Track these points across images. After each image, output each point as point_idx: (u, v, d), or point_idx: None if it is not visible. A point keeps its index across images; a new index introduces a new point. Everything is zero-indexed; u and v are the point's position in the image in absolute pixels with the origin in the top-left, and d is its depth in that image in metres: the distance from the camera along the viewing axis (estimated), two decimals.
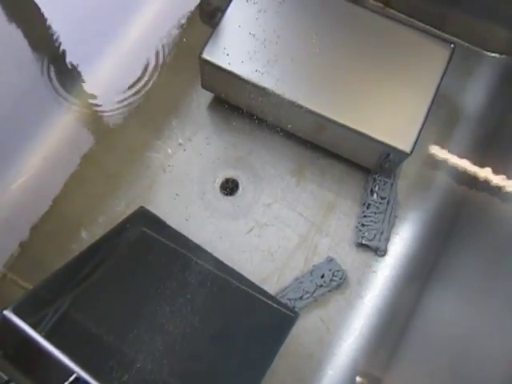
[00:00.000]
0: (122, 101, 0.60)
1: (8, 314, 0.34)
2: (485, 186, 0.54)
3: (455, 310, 0.46)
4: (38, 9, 0.60)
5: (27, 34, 0.58)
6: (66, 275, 0.42)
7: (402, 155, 0.50)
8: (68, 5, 0.62)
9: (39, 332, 0.34)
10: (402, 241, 0.55)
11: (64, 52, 0.61)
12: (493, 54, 0.61)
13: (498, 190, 0.51)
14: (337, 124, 0.50)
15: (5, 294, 0.52)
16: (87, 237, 0.54)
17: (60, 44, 0.61)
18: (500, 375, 0.35)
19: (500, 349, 0.38)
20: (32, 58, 0.59)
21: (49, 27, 0.60)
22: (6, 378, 0.33)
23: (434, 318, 0.49)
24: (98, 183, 0.57)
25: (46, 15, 0.60)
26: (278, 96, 0.51)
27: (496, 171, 0.53)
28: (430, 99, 0.50)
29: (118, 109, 0.60)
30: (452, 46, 0.51)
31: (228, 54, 0.52)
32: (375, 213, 0.55)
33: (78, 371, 0.33)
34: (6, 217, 0.55)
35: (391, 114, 0.50)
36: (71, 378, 0.33)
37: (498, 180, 0.52)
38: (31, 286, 0.40)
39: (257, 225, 0.55)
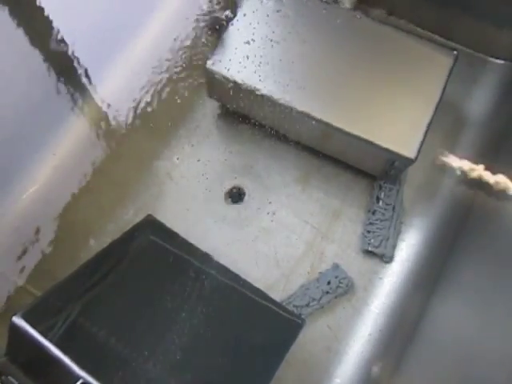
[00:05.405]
0: (130, 111, 0.61)
1: (17, 319, 0.35)
2: (491, 191, 0.54)
3: (462, 316, 0.46)
4: (50, 20, 0.61)
5: (38, 45, 0.60)
6: (75, 282, 0.42)
7: (407, 161, 0.50)
8: (79, 16, 0.63)
9: (49, 339, 0.35)
10: (408, 247, 0.55)
11: (74, 63, 0.62)
12: (497, 61, 0.61)
13: (504, 196, 0.51)
14: (342, 132, 0.51)
15: (14, 302, 0.53)
16: (96, 245, 0.55)
17: (70, 55, 0.62)
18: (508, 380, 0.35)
19: (508, 355, 0.37)
20: (43, 69, 0.60)
21: (60, 38, 0.61)
22: (15, 382, 0.34)
23: (442, 324, 0.49)
24: (107, 192, 0.58)
25: (58, 27, 0.62)
26: (284, 105, 0.51)
27: (502, 177, 0.53)
28: (433, 106, 0.50)
29: (126, 118, 0.61)
30: (455, 53, 0.52)
31: (233, 64, 0.52)
32: (381, 219, 0.55)
33: (85, 376, 0.33)
34: (17, 226, 0.56)
35: (395, 121, 0.50)
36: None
37: (504, 186, 0.52)
38: (40, 294, 0.41)
39: (263, 232, 0.56)
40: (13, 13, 0.58)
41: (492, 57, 0.62)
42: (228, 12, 0.56)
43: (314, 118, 0.51)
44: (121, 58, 0.64)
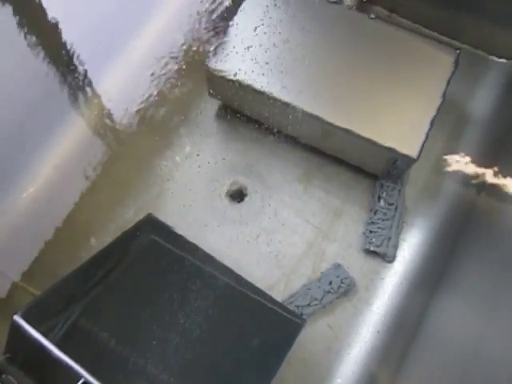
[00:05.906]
0: (130, 110, 0.61)
1: (17, 318, 0.35)
2: (493, 191, 0.53)
3: (464, 316, 0.46)
4: (52, 21, 0.61)
5: (40, 45, 0.60)
6: (75, 281, 0.42)
7: (409, 161, 0.50)
8: (81, 17, 0.63)
9: (50, 339, 0.34)
10: (410, 247, 0.55)
11: (75, 63, 0.62)
12: (500, 60, 0.61)
13: (506, 196, 0.51)
14: (343, 130, 0.51)
15: (16, 302, 0.53)
16: (97, 244, 0.55)
17: (72, 55, 0.62)
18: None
19: (510, 355, 0.37)
20: (43, 69, 0.60)
21: (62, 39, 0.61)
22: (15, 382, 0.33)
23: (443, 324, 0.48)
24: (107, 191, 0.58)
25: (60, 28, 0.62)
26: (285, 103, 0.51)
27: (504, 177, 0.53)
28: (436, 105, 0.50)
29: (126, 118, 0.61)
30: (457, 51, 0.52)
31: (234, 62, 0.52)
32: (383, 219, 0.54)
33: (86, 376, 0.33)
34: (18, 225, 0.56)
35: (397, 120, 0.50)
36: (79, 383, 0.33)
37: (506, 185, 0.51)
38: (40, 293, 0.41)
39: (264, 232, 0.56)
40: (14, 13, 0.58)
41: (494, 56, 0.61)
42: (228, 3, 0.56)
43: (315, 117, 0.51)
44: (121, 57, 0.64)
